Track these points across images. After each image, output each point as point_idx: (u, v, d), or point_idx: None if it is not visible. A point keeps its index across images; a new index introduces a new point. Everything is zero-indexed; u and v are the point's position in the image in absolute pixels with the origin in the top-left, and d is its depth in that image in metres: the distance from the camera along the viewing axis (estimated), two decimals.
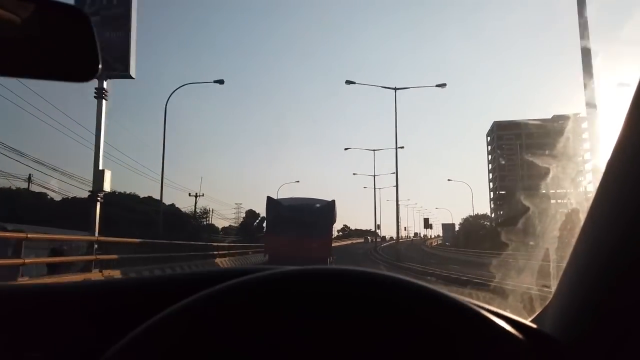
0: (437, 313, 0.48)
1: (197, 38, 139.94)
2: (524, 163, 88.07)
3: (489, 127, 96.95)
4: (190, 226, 40.11)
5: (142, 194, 42.07)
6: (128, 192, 40.65)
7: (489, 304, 0.55)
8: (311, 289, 0.51)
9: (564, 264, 0.64)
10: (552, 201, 1.05)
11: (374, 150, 47.38)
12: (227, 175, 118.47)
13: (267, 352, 0.49)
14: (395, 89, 28.86)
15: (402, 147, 44.50)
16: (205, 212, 44.76)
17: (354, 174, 60.59)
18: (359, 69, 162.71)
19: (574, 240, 0.61)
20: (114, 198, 31.74)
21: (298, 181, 51.64)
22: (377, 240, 59.22)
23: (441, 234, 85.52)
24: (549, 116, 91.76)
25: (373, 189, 53.21)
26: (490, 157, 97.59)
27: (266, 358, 0.49)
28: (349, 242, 76.63)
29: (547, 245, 0.95)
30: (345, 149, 47.97)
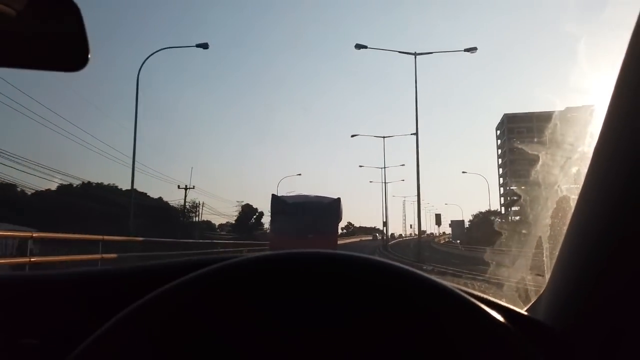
0: (430, 301, 0.48)
1: (189, 19, 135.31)
2: (536, 157, 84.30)
3: (499, 120, 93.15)
4: (179, 222, 36.65)
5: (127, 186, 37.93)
6: (107, 183, 36.59)
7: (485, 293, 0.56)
8: (296, 272, 0.50)
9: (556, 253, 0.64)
10: (543, 189, 1.02)
11: (383, 137, 42.57)
12: (224, 168, 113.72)
13: (251, 337, 0.49)
14: (416, 54, 23.57)
15: (414, 134, 41.37)
16: (195, 206, 41.10)
17: (360, 166, 55.47)
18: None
19: (565, 228, 0.63)
20: (89, 190, 28.02)
21: (300, 174, 47.79)
22: (386, 237, 55.69)
23: (447, 232, 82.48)
24: (562, 108, 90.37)
25: (382, 183, 48.94)
26: (500, 151, 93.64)
27: (251, 342, 0.49)
28: (357, 239, 73.38)
29: (539, 233, 0.95)
30: (352, 135, 43.49)
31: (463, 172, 65.32)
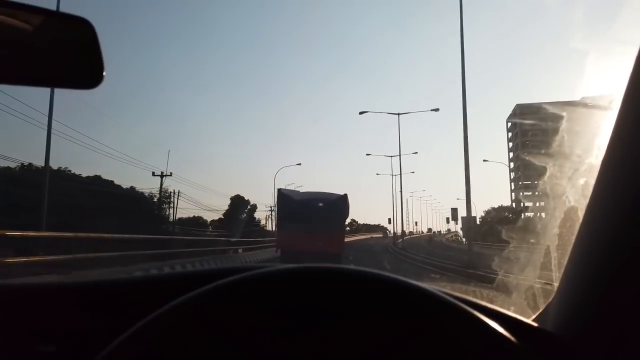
0: (434, 316, 0.49)
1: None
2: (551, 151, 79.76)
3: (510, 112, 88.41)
4: (151, 214, 32.25)
5: (94, 173, 33.18)
6: (65, 168, 30.71)
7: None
8: (303, 287, 0.52)
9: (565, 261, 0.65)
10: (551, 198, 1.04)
11: (398, 114, 34.58)
12: (218, 158, 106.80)
13: (261, 350, 0.50)
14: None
15: (436, 110, 37.33)
16: (169, 196, 36.05)
17: (367, 154, 49.50)
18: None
19: (573, 238, 0.64)
20: (28, 174, 23.50)
21: (300, 164, 43.72)
22: (398, 234, 50.64)
23: (451, 229, 78.57)
24: (574, 99, 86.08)
25: (391, 175, 44.11)
26: (511, 144, 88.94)
27: (260, 356, 0.50)
28: (366, 236, 70.14)
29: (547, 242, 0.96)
30: (361, 112, 35.50)
31: (484, 160, 59.75)
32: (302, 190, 20.19)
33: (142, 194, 34.16)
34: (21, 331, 0.66)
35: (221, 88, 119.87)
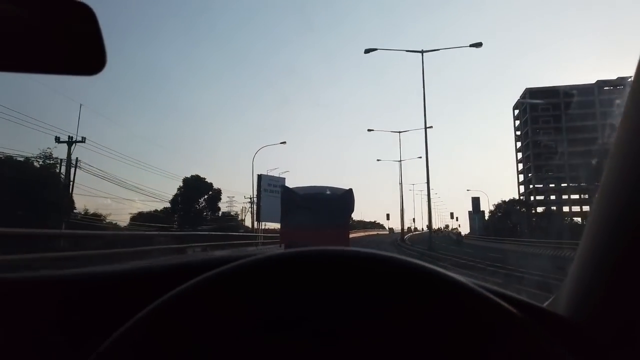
0: (448, 297, 0.49)
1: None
2: (563, 138, 73.03)
3: (517, 98, 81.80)
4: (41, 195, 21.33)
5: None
6: None
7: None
8: (317, 270, 0.51)
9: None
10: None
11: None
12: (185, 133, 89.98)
13: (273, 335, 0.49)
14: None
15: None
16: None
17: (369, 130, 41.58)
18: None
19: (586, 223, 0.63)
20: None
21: (284, 142, 36.17)
22: (403, 230, 46.22)
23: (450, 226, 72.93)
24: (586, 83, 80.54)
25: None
26: (520, 132, 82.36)
27: (272, 342, 0.49)
28: (372, 232, 66.58)
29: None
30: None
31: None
32: (295, 183, 20.13)
33: (21, 162, 22.79)
34: (32, 321, 0.67)
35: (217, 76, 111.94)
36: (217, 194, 42.82)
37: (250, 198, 34.80)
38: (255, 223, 32.39)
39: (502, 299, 0.49)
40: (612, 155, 0.58)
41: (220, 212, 42.63)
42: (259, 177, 31.08)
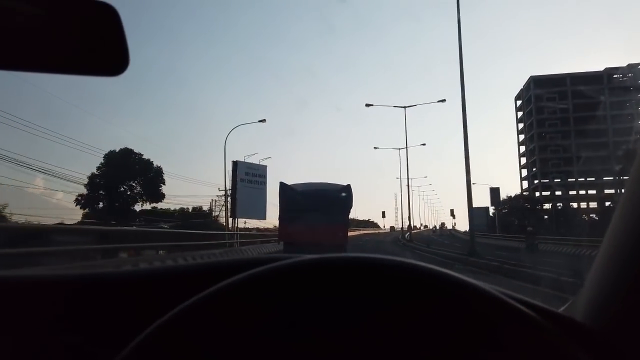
0: (466, 302, 0.49)
1: None
2: (570, 130, 68.41)
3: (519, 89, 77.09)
4: None
5: None
6: None
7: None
8: (337, 278, 0.51)
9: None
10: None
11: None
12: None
13: (295, 343, 0.49)
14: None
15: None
16: None
17: (367, 105, 34.11)
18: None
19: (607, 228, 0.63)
20: None
21: (264, 120, 29.78)
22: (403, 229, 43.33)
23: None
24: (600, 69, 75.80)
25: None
26: (523, 124, 77.68)
27: (294, 349, 0.49)
28: (372, 231, 64.31)
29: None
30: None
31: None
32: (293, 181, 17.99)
33: None
34: (46, 321, 0.67)
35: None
36: (158, 174, 32.88)
37: (225, 191, 29.09)
38: (229, 220, 27.18)
39: (518, 303, 0.49)
40: (637, 159, 0.56)
41: (190, 208, 36.70)
42: (235, 164, 25.80)
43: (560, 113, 69.50)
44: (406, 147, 38.97)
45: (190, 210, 37.56)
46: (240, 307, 0.49)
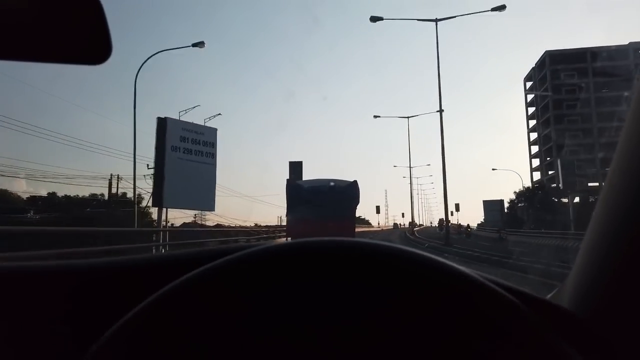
0: (451, 288, 0.48)
1: None
2: (592, 112, 59.98)
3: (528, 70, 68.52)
4: None
5: None
6: None
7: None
8: (320, 262, 0.50)
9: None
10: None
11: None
12: None
13: (282, 328, 0.48)
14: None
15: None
16: None
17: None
18: None
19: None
20: None
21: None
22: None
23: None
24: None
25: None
26: (535, 108, 69.16)
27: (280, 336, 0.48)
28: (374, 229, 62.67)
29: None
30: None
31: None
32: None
33: None
34: (39, 311, 0.67)
35: None
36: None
37: (149, 179, 18.10)
38: (148, 211, 17.78)
39: (505, 290, 0.49)
40: (620, 145, 0.57)
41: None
42: (162, 122, 16.38)
43: (583, 92, 61.04)
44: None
45: (87, 197, 27.20)
46: (208, 298, 0.47)
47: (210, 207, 18.73)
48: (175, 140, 16.62)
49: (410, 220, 50.68)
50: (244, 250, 0.50)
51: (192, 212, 31.45)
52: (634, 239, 0.52)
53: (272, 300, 0.48)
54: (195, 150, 17.30)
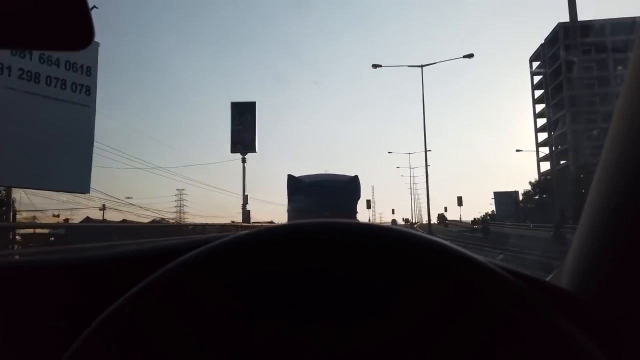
0: (454, 269, 0.47)
1: None
2: (611, 92, 52.90)
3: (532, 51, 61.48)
4: None
5: None
6: None
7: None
8: (316, 246, 0.47)
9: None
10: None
11: (421, 65, 27.66)
12: None
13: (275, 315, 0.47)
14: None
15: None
16: None
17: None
18: None
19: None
20: None
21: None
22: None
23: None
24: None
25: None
26: (538, 92, 62.17)
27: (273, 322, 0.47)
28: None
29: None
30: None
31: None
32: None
33: None
34: (35, 306, 0.67)
35: None
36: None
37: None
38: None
39: (504, 271, 0.48)
40: (615, 121, 0.56)
41: None
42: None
43: (598, 70, 54.15)
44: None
45: None
46: (192, 287, 0.46)
47: (83, 187, 10.49)
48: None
49: (406, 218, 43.76)
50: (234, 235, 0.47)
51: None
52: (632, 217, 0.52)
53: (261, 288, 0.46)
54: (48, 76, 9.35)
